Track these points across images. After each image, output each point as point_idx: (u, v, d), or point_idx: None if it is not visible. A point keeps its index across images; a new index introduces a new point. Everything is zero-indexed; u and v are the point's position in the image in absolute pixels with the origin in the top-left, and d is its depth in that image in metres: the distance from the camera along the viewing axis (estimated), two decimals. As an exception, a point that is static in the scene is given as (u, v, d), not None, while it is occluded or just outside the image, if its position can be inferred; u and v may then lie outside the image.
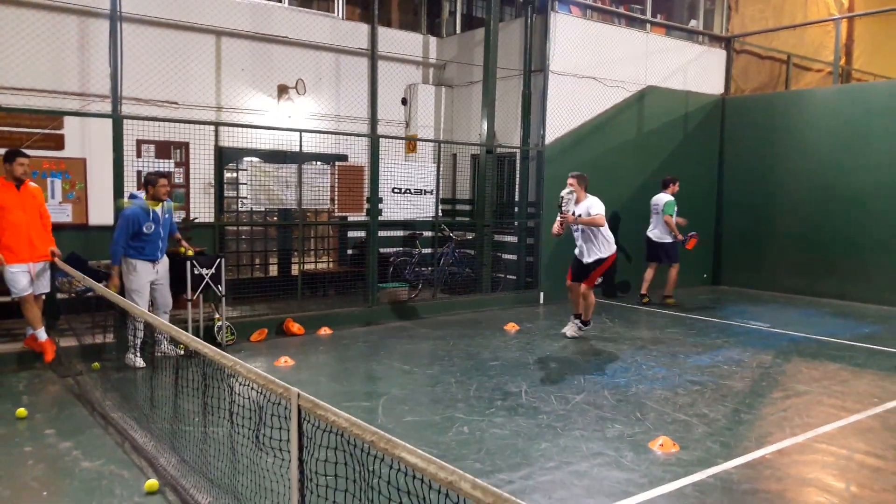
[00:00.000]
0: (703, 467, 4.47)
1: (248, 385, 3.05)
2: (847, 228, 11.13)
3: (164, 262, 7.02)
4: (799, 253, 11.78)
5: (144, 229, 6.70)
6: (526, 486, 4.14)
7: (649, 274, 10.84)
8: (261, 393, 3.04)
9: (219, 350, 3.28)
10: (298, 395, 2.66)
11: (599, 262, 7.98)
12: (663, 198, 10.63)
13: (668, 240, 10.64)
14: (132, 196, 6.98)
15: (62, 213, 8.63)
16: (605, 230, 8.02)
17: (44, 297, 6.82)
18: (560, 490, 4.10)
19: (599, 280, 8.38)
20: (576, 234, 8.14)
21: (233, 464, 3.72)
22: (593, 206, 7.91)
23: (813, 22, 14.37)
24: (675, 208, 10.57)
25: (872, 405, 5.84)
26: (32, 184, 6.73)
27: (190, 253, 7.20)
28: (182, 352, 6.95)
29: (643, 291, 10.82)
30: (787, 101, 12.23)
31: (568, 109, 10.68)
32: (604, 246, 7.99)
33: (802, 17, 14.53)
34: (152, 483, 3.97)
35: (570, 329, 8.31)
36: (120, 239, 6.65)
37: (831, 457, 4.73)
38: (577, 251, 8.20)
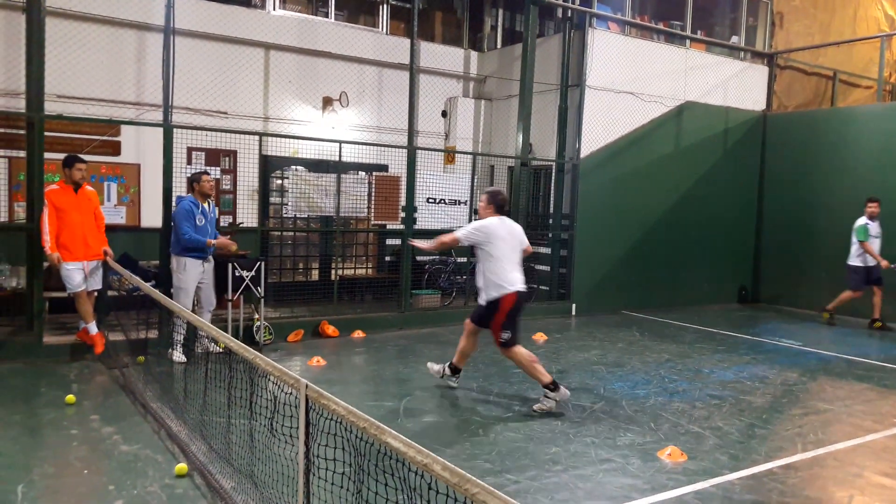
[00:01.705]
0: (707, 477, 4.59)
1: (265, 377, 3.33)
2: (888, 248, 10.93)
3: (210, 262, 7.43)
4: (838, 272, 11.58)
5: (197, 221, 7.13)
6: (531, 487, 4.33)
7: (875, 299, 10.44)
8: (276, 384, 3.32)
9: (242, 344, 3.58)
10: (306, 385, 2.93)
11: (494, 304, 5.90)
12: (858, 221, 10.31)
13: (853, 263, 10.32)
14: (179, 198, 7.43)
15: (117, 215, 9.17)
16: (492, 264, 5.92)
17: (96, 293, 7.28)
18: (563, 492, 4.28)
19: (506, 336, 5.90)
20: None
21: (252, 451, 4.01)
22: (461, 228, 6.20)
23: (857, 39, 14.17)
24: (871, 232, 10.23)
25: (893, 426, 5.84)
26: (89, 187, 7.21)
27: (233, 248, 7.57)
28: (222, 349, 7.33)
29: (874, 316, 10.51)
30: (831, 119, 12.11)
31: (604, 124, 10.82)
32: (491, 284, 5.93)
33: (851, 34, 14.33)
34: (182, 467, 4.30)
35: (434, 367, 6.58)
36: (188, 228, 7.06)
37: (840, 473, 4.79)
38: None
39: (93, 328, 7.04)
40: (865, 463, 4.98)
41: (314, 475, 2.92)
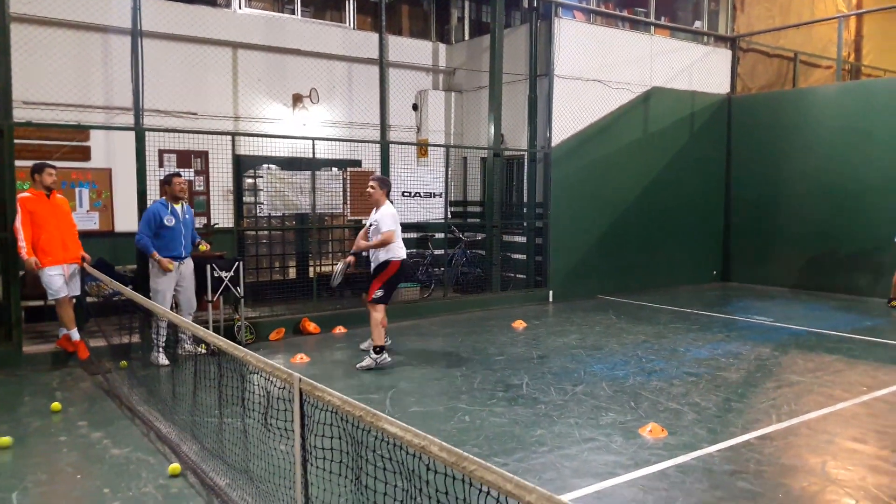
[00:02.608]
0: (687, 451, 4.75)
1: (258, 373, 3.40)
2: (853, 223, 11.29)
3: (189, 264, 7.42)
4: (806, 248, 11.96)
5: (165, 221, 7.11)
6: (518, 468, 4.45)
7: None
8: (268, 380, 3.39)
9: (231, 342, 3.64)
10: (300, 379, 3.00)
11: (383, 266, 6.99)
12: None
13: None
14: (155, 201, 7.40)
15: (89, 221, 9.10)
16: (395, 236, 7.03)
17: (75, 300, 7.25)
18: (550, 471, 4.41)
19: (379, 293, 6.95)
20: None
21: (245, 447, 4.07)
22: (383, 222, 6.91)
23: (818, 20, 14.50)
24: None
25: (861, 393, 6.07)
26: (59, 195, 7.17)
27: (203, 248, 7.58)
28: (204, 350, 7.36)
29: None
30: (793, 99, 12.40)
31: (573, 112, 10.96)
32: (384, 252, 6.97)
33: (809, 15, 14.67)
34: (175, 467, 4.35)
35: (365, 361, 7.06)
36: (144, 231, 7.05)
37: (813, 441, 4.99)
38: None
39: (75, 334, 7.02)
40: (836, 430, 5.19)
41: (312, 465, 3.00)
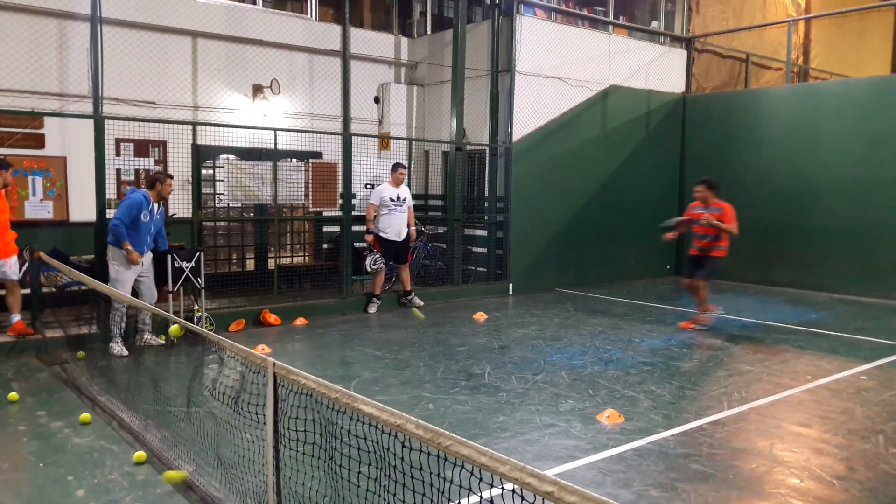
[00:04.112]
0: (643, 436, 4.94)
1: (232, 357, 3.44)
2: (800, 220, 11.73)
3: (148, 256, 7.34)
4: (755, 244, 12.34)
5: (142, 217, 7.03)
6: (483, 453, 4.57)
7: None
8: (242, 364, 3.43)
9: (206, 331, 3.67)
10: (274, 363, 3.06)
11: (409, 236, 9.70)
12: None
13: None
14: (131, 189, 7.28)
15: (43, 210, 8.90)
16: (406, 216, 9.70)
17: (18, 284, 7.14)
18: (513, 455, 4.53)
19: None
20: (396, 216, 9.43)
21: (216, 430, 4.10)
22: (409, 197, 9.69)
23: (769, 24, 14.97)
24: None
25: (806, 381, 6.37)
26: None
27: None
28: (163, 341, 7.32)
29: None
30: (745, 100, 12.80)
31: (534, 108, 11.13)
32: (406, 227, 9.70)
33: (762, 18, 15.13)
34: (140, 454, 4.35)
35: (372, 307, 9.66)
36: (123, 219, 6.89)
37: (762, 425, 5.23)
38: (392, 235, 9.43)
39: None
40: (783, 415, 5.45)
41: (284, 446, 3.06)
